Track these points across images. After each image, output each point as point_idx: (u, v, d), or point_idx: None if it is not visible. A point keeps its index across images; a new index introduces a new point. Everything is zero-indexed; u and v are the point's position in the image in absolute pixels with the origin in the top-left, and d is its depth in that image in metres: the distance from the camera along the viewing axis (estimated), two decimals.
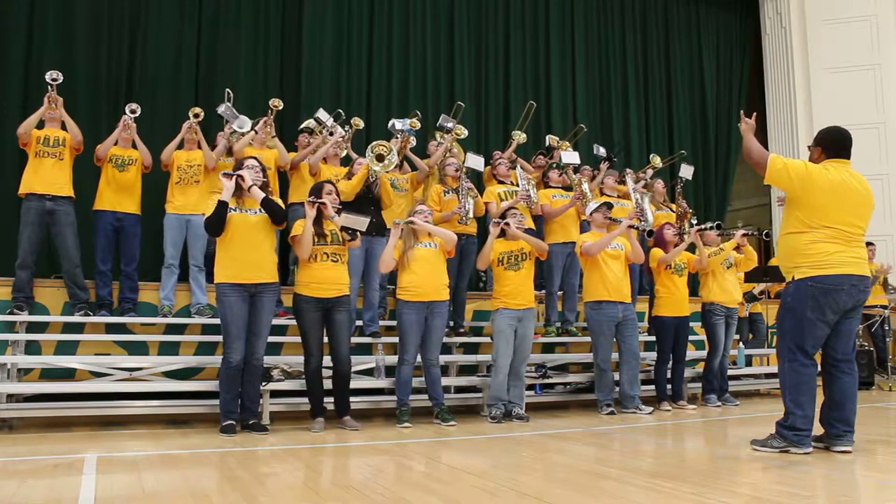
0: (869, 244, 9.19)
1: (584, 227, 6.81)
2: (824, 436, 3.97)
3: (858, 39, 10.41)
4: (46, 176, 5.68)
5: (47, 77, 5.79)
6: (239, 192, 4.68)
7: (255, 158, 4.94)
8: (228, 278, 4.62)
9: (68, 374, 5.60)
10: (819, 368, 3.97)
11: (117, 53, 7.45)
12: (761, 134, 11.33)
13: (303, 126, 7.21)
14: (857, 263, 3.86)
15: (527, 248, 5.60)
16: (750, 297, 8.31)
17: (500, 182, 6.81)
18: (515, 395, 5.55)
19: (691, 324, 6.77)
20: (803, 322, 3.85)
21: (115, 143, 6.06)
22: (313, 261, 4.92)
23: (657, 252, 6.43)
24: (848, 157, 3.96)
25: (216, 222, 4.59)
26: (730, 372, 6.94)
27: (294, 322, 6.22)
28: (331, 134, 6.69)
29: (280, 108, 6.62)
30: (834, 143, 3.96)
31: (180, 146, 6.30)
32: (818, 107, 10.46)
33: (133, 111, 6.10)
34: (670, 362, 6.50)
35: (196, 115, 6.24)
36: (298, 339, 6.05)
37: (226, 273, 4.63)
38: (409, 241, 5.24)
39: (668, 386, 6.49)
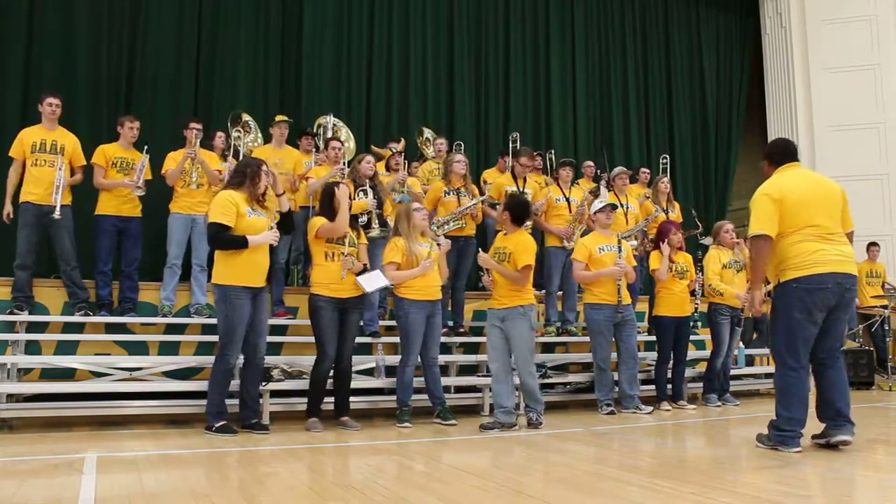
0: (873, 244, 9.25)
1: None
2: (825, 430, 4.00)
3: (858, 39, 10.42)
4: (44, 185, 5.63)
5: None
6: (257, 194, 4.71)
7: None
8: (241, 281, 4.60)
9: (68, 374, 5.59)
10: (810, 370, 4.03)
11: (117, 53, 7.45)
12: (761, 134, 11.33)
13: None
14: (840, 262, 3.88)
15: (510, 248, 5.25)
16: None
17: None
18: (530, 398, 5.24)
19: (698, 323, 6.79)
20: (791, 323, 3.90)
21: (122, 147, 6.04)
22: (330, 260, 4.95)
23: (655, 258, 6.45)
24: (794, 160, 4.11)
25: (226, 247, 4.58)
26: (731, 372, 6.94)
27: (295, 322, 6.26)
28: (326, 146, 6.70)
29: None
30: (776, 152, 4.16)
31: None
32: (818, 107, 10.46)
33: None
34: (671, 362, 6.50)
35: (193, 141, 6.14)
36: (298, 339, 6.10)
37: (239, 276, 4.60)
38: (411, 241, 5.21)
39: (669, 386, 6.49)
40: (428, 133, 8.17)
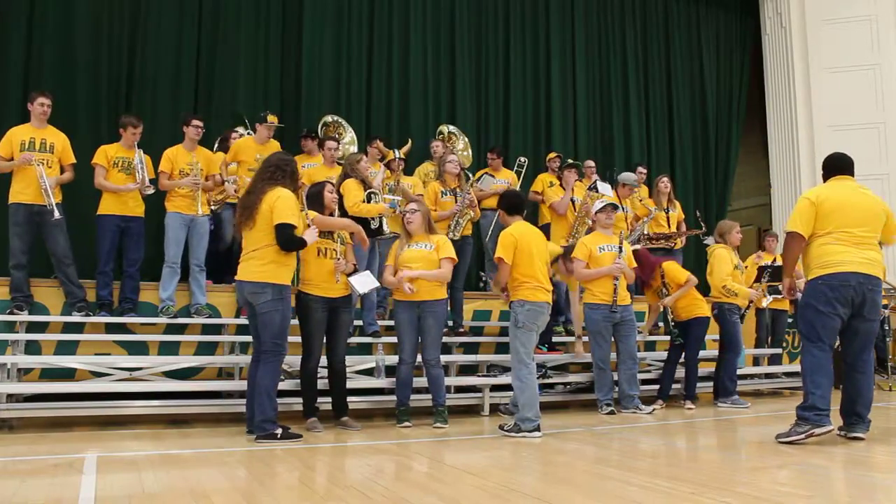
0: None
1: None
2: (843, 425, 4.41)
3: (858, 39, 10.40)
4: (35, 184, 5.61)
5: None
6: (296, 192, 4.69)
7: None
8: (290, 280, 4.61)
9: (68, 374, 5.59)
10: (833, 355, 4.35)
11: (117, 53, 7.45)
12: (761, 134, 11.33)
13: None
14: (863, 263, 4.24)
15: None
16: (774, 291, 8.23)
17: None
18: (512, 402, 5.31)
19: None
20: (816, 315, 4.28)
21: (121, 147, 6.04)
22: (323, 256, 4.92)
23: (652, 291, 6.53)
24: (848, 173, 4.47)
25: (299, 248, 4.56)
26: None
27: (294, 322, 6.25)
28: (321, 145, 6.75)
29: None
30: (827, 166, 4.56)
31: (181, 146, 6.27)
32: (818, 107, 10.45)
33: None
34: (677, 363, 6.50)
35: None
36: (299, 339, 6.09)
37: (290, 276, 4.60)
38: (402, 243, 5.22)
39: (675, 385, 6.50)
40: (451, 128, 8.13)
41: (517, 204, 5.10)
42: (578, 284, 6.29)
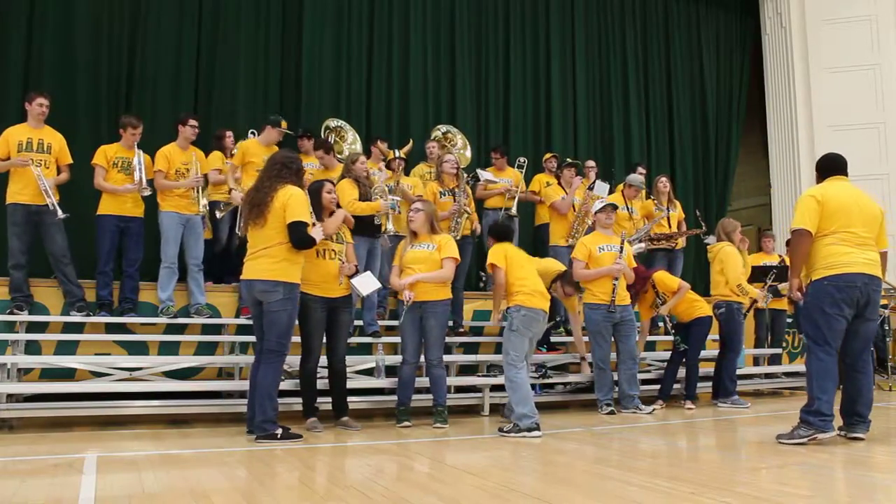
0: None
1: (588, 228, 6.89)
2: (843, 425, 4.39)
3: (858, 39, 10.40)
4: (34, 185, 5.61)
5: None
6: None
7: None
8: (299, 280, 4.61)
9: (68, 374, 5.59)
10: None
11: (117, 53, 7.45)
12: (761, 134, 11.33)
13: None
14: (867, 264, 4.25)
15: None
16: (773, 291, 8.24)
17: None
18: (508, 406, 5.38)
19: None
20: (823, 317, 4.24)
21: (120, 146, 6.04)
22: (321, 258, 4.91)
23: (646, 305, 6.53)
24: (843, 174, 4.47)
25: (308, 246, 4.54)
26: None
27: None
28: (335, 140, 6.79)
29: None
30: (823, 166, 4.55)
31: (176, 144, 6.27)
32: (818, 107, 10.45)
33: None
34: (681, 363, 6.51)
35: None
36: (299, 339, 6.09)
37: (299, 275, 4.59)
38: (406, 243, 5.24)
39: (675, 385, 6.50)
40: (444, 128, 8.12)
41: (504, 231, 5.47)
42: (577, 307, 6.33)
